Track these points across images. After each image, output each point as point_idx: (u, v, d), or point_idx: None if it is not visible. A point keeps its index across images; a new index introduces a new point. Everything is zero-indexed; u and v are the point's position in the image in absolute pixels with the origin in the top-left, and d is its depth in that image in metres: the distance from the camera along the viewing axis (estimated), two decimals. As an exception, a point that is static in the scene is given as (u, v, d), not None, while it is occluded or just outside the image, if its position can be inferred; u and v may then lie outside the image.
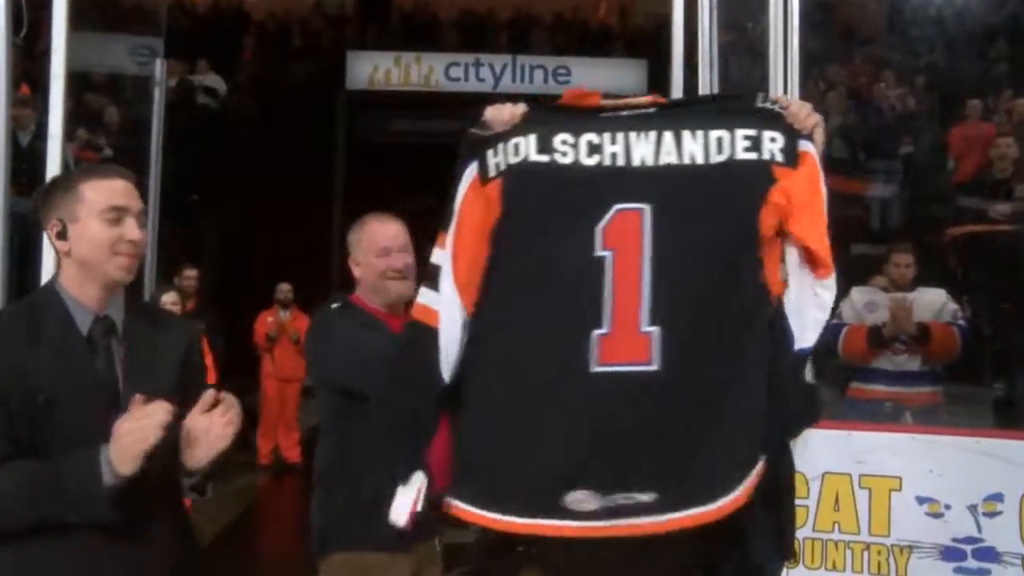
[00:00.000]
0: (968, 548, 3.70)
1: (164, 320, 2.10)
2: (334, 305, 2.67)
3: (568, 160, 1.85)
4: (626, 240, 1.78)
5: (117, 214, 1.88)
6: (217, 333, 6.93)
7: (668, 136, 1.85)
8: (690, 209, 1.82)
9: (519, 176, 1.86)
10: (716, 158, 1.84)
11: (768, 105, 1.87)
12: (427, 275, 1.94)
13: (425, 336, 1.89)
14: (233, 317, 7.89)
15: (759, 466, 1.78)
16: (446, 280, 1.89)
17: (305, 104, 12.63)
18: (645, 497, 1.71)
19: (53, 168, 3.47)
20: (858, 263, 7.27)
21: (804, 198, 1.83)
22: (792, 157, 1.84)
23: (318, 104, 13.13)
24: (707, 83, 4.66)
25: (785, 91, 4.33)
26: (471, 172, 1.90)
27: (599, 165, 1.86)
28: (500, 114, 1.92)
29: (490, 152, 1.89)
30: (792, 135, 1.85)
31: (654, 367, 1.75)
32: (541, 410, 1.79)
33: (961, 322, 4.93)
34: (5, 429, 1.77)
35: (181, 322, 2.12)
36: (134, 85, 8.09)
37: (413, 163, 14.74)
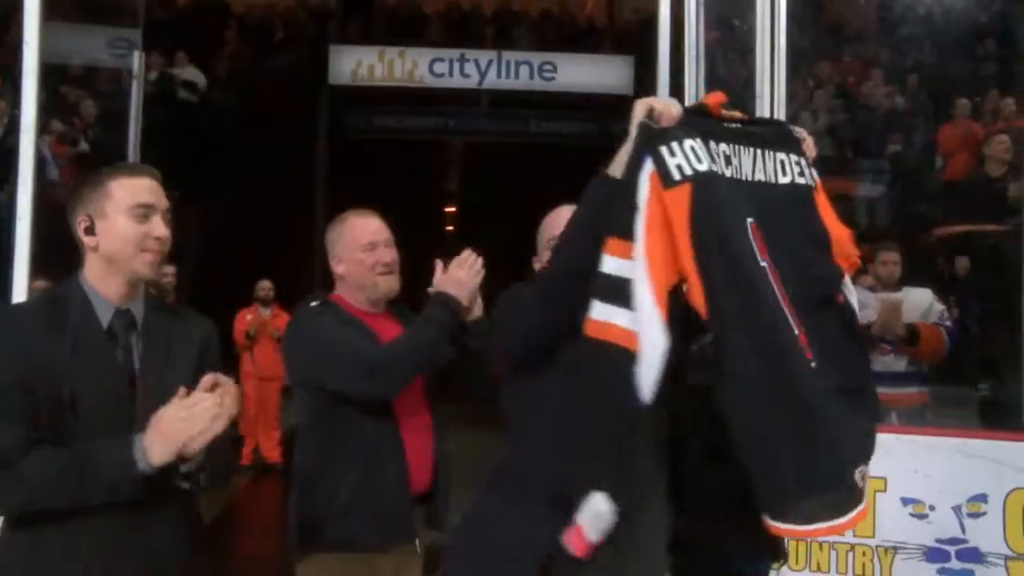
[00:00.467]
0: (952, 549, 3.73)
1: (183, 316, 2.18)
2: (313, 303, 2.67)
3: (717, 169, 1.86)
4: (763, 252, 1.85)
5: (144, 211, 1.97)
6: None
7: (758, 153, 1.96)
8: (775, 225, 1.91)
9: (705, 184, 1.80)
10: (783, 179, 1.99)
11: (796, 133, 2.07)
12: (599, 289, 1.77)
13: (622, 359, 1.74)
14: (213, 315, 7.84)
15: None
16: (645, 296, 1.74)
17: (287, 99, 12.60)
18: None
19: (26, 162, 3.45)
20: (844, 262, 7.32)
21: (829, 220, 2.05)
22: (815, 182, 2.05)
23: (300, 99, 13.10)
24: (693, 80, 4.67)
25: (772, 89, 4.35)
26: (648, 170, 1.81)
27: (734, 178, 1.90)
28: (670, 110, 1.85)
29: (665, 150, 1.81)
30: (808, 163, 2.05)
31: (814, 364, 1.83)
32: (806, 407, 1.80)
33: (948, 323, 4.97)
34: (31, 416, 1.83)
35: (199, 318, 2.18)
36: (111, 78, 8.04)
37: (397, 160, 14.77)
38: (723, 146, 1.88)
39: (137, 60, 5.66)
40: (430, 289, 2.59)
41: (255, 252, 11.03)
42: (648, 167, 1.80)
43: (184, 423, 1.81)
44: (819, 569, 3.83)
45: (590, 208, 1.91)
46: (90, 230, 1.97)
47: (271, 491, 7.47)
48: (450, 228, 20.50)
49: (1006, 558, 3.62)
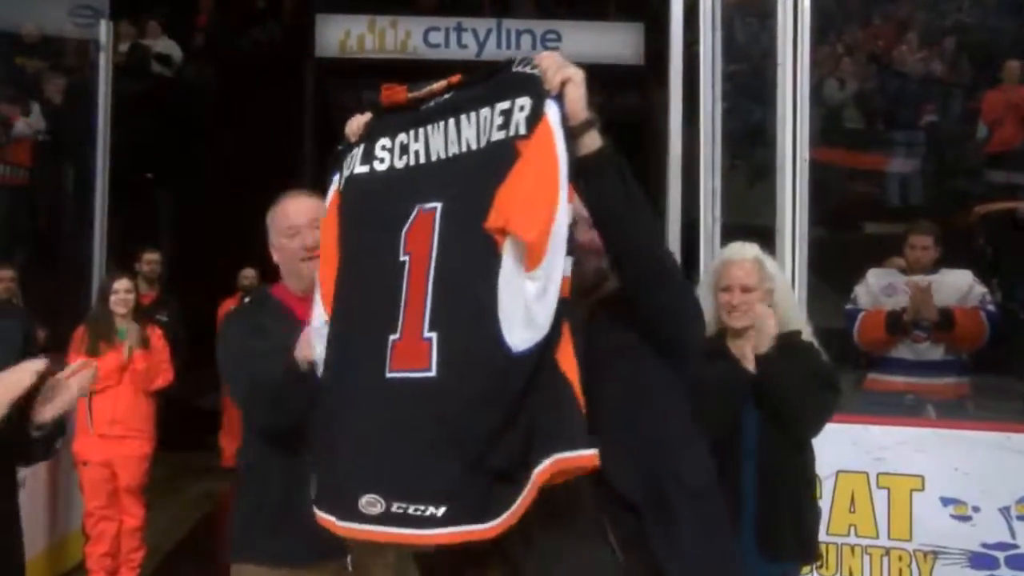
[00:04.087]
0: (1001, 555, 3.72)
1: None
2: (247, 299, 2.69)
3: (384, 167, 2.02)
4: (420, 242, 1.89)
5: None
6: (180, 325, 6.89)
7: (451, 124, 1.93)
8: (465, 202, 1.87)
9: (347, 189, 2.07)
10: (482, 142, 1.88)
11: (523, 68, 1.86)
12: None
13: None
14: (193, 305, 7.85)
15: (531, 481, 1.77)
16: (317, 290, 2.12)
17: (269, 73, 12.56)
18: (433, 509, 1.78)
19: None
20: (873, 244, 7.29)
21: (524, 182, 1.79)
22: (534, 124, 1.80)
23: (284, 73, 13.05)
24: (709, 49, 4.65)
25: (795, 56, 4.33)
26: (332, 186, 2.12)
27: (406, 166, 2.00)
28: (351, 126, 2.10)
29: (344, 164, 2.10)
30: (540, 97, 1.82)
31: (432, 373, 1.82)
32: (347, 413, 1.93)
33: (990, 307, 4.93)
34: None
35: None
36: (77, 49, 8.00)
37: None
38: (402, 136, 2.01)
39: (104, 30, 5.64)
40: None
41: (236, 238, 11.00)
42: (332, 184, 2.12)
43: (12, 378, 2.08)
44: (851, 574, 3.83)
45: None
46: None
47: (257, 497, 7.47)
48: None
49: (1058, 563, 3.61)
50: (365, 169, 2.04)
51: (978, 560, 3.74)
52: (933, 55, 10.01)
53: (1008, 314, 5.87)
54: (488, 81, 1.93)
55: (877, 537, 3.81)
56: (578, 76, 1.86)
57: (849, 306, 5.06)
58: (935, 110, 9.56)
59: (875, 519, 3.81)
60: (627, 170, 1.90)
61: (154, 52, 11.50)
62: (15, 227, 8.23)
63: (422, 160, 1.97)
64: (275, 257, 2.69)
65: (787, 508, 2.86)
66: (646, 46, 12.58)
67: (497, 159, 1.83)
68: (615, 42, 13.19)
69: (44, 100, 8.57)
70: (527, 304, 1.76)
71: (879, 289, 5.06)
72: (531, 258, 1.76)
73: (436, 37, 13.40)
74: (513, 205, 1.78)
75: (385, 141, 2.04)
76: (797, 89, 4.28)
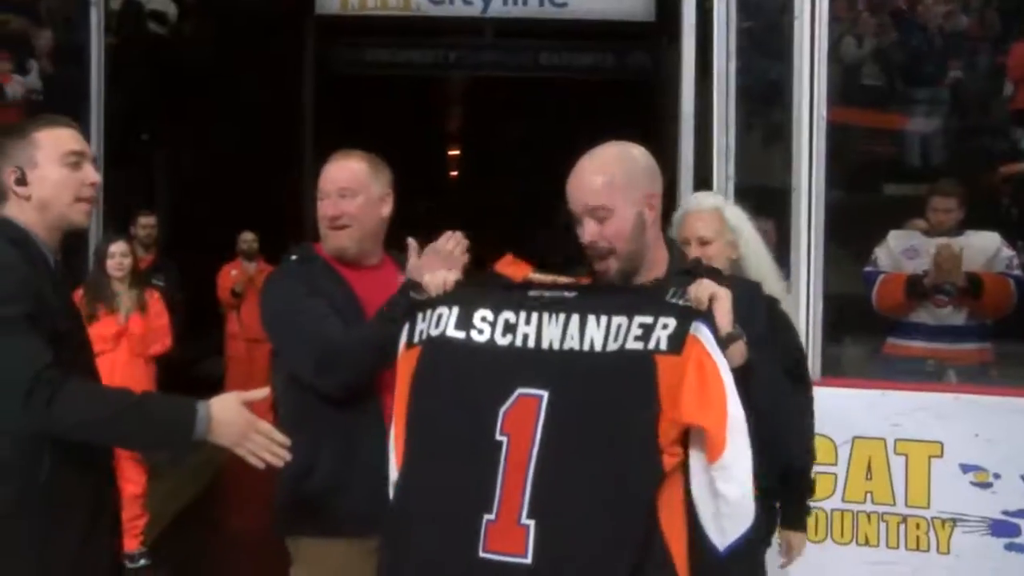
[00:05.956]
0: (1022, 522, 3.74)
1: None
2: (293, 257, 2.67)
3: (483, 338, 2.06)
4: (522, 427, 1.97)
5: (76, 158, 2.25)
6: (178, 289, 6.92)
7: (575, 320, 2.03)
8: (582, 398, 1.98)
9: (435, 348, 2.10)
10: (611, 346, 1.99)
11: (676, 300, 1.99)
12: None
13: None
14: (191, 270, 7.87)
15: None
16: (390, 433, 2.19)
17: (268, 31, 12.49)
18: None
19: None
20: (892, 205, 7.26)
21: (690, 383, 1.93)
22: (678, 343, 1.95)
23: (283, 31, 12.99)
24: (723, 2, 4.61)
25: (813, 10, 4.29)
26: (403, 335, 2.18)
27: (511, 345, 2.05)
28: (435, 279, 2.15)
29: (419, 316, 2.15)
30: (686, 318, 1.96)
31: (527, 560, 1.93)
32: None
33: (1017, 272, 4.90)
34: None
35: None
36: (65, 5, 7.94)
37: (393, 98, 14.67)
38: (508, 314, 2.07)
39: (95, -15, 5.58)
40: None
41: (235, 200, 11.01)
42: (404, 333, 2.17)
43: (248, 444, 2.16)
44: (867, 543, 3.86)
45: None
46: (21, 180, 2.22)
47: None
48: (453, 173, 20.45)
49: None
50: (460, 335, 2.07)
51: (999, 528, 3.76)
52: (958, 8, 9.88)
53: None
54: (630, 294, 2.06)
55: (894, 504, 3.83)
56: (724, 293, 1.96)
57: (868, 268, 5.05)
58: (960, 66, 9.45)
59: (892, 486, 3.83)
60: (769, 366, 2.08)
61: (148, 9, 11.44)
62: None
63: (531, 345, 2.04)
64: None
65: None
66: (657, 2, 12.46)
67: (628, 367, 1.96)
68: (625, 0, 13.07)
69: (35, 58, 8.53)
70: (720, 498, 1.90)
71: (900, 252, 5.04)
72: (712, 449, 1.90)
73: (440, -7, 13.28)
74: (682, 405, 1.91)
75: (486, 312, 2.08)
76: (815, 45, 4.25)
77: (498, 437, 1.98)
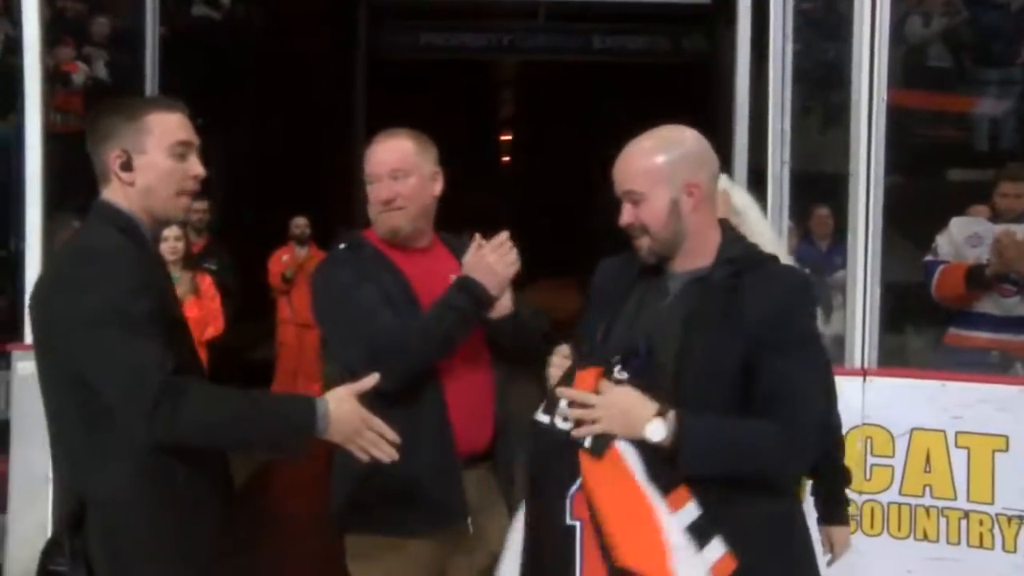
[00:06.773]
0: (1092, 522, 3.65)
1: None
2: (342, 245, 2.65)
3: (567, 427, 2.08)
4: (586, 511, 2.02)
5: (183, 149, 2.18)
6: (230, 274, 7.00)
7: None
8: None
9: (531, 434, 2.17)
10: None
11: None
12: None
13: None
14: (243, 255, 7.97)
15: None
16: None
17: (320, 14, 12.57)
18: None
19: (32, 82, 3.49)
20: (957, 190, 7.11)
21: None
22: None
23: (335, 14, 13.06)
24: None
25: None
26: None
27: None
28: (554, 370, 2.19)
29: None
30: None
31: None
32: None
33: (1089, 261, 4.79)
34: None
35: None
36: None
37: (445, 82, 14.69)
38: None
39: (149, -30, 5.65)
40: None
41: (287, 185, 11.13)
42: None
43: (358, 441, 2.13)
44: (926, 537, 3.80)
45: None
46: (127, 166, 2.14)
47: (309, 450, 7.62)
48: (505, 159, 20.44)
49: None
50: (546, 419, 2.12)
51: (1068, 527, 3.68)
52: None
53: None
54: None
55: (955, 499, 3.76)
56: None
57: (928, 257, 4.96)
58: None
59: (953, 480, 3.77)
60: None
61: (201, -6, 11.57)
62: (71, 175, 8.38)
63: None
64: None
65: None
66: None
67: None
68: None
69: (94, 44, 8.69)
70: None
71: (963, 239, 4.94)
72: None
73: (496, -24, 13.26)
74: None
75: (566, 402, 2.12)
76: (876, 25, 4.17)
77: (569, 521, 2.05)
